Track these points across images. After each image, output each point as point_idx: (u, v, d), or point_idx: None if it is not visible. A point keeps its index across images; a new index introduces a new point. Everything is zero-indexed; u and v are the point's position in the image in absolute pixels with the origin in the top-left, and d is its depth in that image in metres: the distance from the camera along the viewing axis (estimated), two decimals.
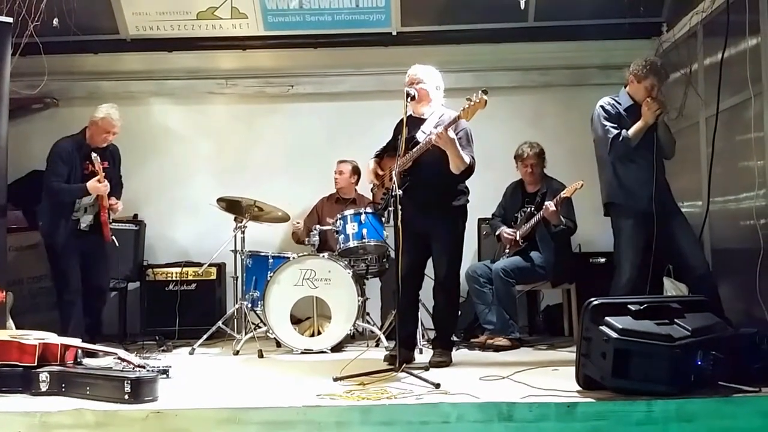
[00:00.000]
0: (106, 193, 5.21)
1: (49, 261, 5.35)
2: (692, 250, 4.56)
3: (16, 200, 5.84)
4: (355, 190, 6.34)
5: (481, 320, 5.47)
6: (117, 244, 5.48)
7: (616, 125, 4.57)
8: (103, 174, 5.16)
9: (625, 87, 4.71)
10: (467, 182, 4.60)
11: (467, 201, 4.64)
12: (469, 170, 4.44)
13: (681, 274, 4.77)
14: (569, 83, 6.79)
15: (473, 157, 4.47)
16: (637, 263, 4.56)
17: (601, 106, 4.68)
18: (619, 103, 4.67)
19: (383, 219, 5.09)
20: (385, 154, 4.75)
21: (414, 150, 4.41)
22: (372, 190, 4.91)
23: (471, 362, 4.69)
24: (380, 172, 4.73)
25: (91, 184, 5.13)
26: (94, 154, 5.10)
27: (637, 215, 4.56)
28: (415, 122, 4.56)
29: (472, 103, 4.12)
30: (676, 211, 4.67)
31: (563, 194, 5.29)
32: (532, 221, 5.43)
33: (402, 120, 4.40)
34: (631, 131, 4.53)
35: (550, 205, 5.29)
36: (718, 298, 4.41)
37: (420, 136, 4.46)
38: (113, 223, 5.41)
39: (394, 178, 4.19)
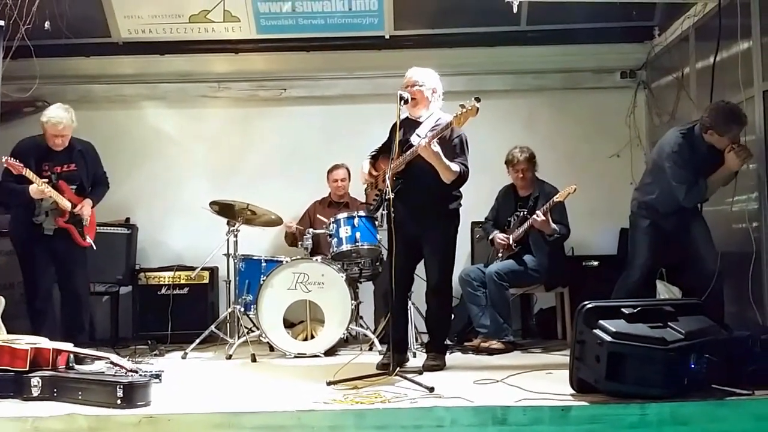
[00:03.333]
0: (46, 196, 4.99)
1: (21, 269, 5.21)
2: (707, 249, 4.55)
3: (6, 204, 5.80)
4: (348, 193, 6.33)
5: (475, 324, 5.46)
6: (95, 248, 5.36)
7: (693, 169, 4.48)
8: (45, 184, 4.97)
9: (702, 131, 4.52)
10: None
11: (460, 205, 4.64)
12: (460, 179, 4.44)
13: (692, 272, 4.74)
14: (562, 87, 6.81)
15: (466, 165, 4.46)
16: (649, 265, 4.59)
17: (677, 151, 4.51)
18: (694, 142, 4.53)
19: (377, 222, 5.11)
20: (380, 155, 4.74)
21: (407, 153, 4.41)
22: (365, 190, 4.91)
23: (465, 366, 4.68)
24: (374, 173, 4.72)
25: (31, 188, 4.95)
26: (5, 157, 4.88)
27: (655, 218, 4.63)
28: (411, 125, 4.57)
29: (464, 111, 4.12)
30: (696, 214, 4.67)
31: (556, 198, 5.29)
32: (525, 225, 5.43)
33: (401, 120, 4.41)
34: (713, 179, 4.46)
35: (538, 215, 5.28)
36: (722, 303, 4.44)
37: (414, 139, 4.47)
38: (103, 227, 5.32)
39: (387, 181, 4.18)
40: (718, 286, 4.45)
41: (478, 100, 4.09)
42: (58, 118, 5.05)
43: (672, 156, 4.54)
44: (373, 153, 4.79)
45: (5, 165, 4.89)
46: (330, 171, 6.33)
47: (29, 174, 4.93)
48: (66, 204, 5.13)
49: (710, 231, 4.66)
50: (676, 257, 4.78)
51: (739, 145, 4.41)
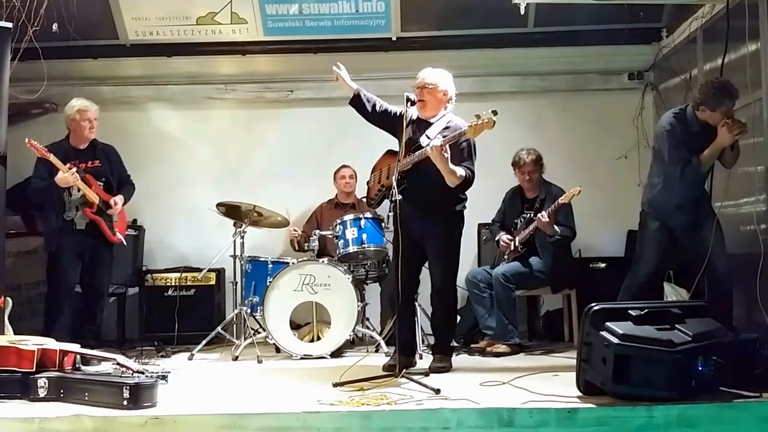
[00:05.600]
0: (72, 183, 5.10)
1: (47, 264, 5.33)
2: (718, 251, 4.44)
3: (14, 205, 5.83)
4: (354, 194, 6.33)
5: (481, 325, 5.46)
6: (125, 244, 5.49)
7: (686, 148, 4.41)
8: (73, 169, 5.09)
9: (694, 109, 4.48)
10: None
11: (464, 207, 4.63)
12: (465, 183, 4.43)
13: (702, 274, 4.70)
14: (569, 88, 6.80)
15: (472, 170, 4.46)
16: (656, 264, 4.54)
17: (670, 128, 4.47)
18: (689, 124, 4.48)
19: (383, 224, 5.11)
20: (388, 151, 4.74)
21: (415, 155, 4.41)
22: (368, 183, 4.92)
23: (471, 368, 4.69)
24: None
25: (57, 176, 5.06)
26: (27, 138, 4.99)
27: (665, 218, 4.55)
28: (421, 125, 4.59)
29: (480, 122, 4.11)
30: (709, 214, 4.54)
31: (560, 201, 5.28)
32: (531, 227, 5.43)
33: (411, 119, 4.45)
34: (706, 155, 4.37)
35: (543, 216, 5.27)
36: (731, 305, 4.39)
37: (424, 140, 4.47)
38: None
39: (394, 182, 4.18)
40: (727, 288, 4.41)
41: (495, 113, 4.09)
42: (87, 104, 5.31)
43: (664, 135, 4.50)
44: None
45: (29, 146, 4.99)
46: (337, 171, 6.35)
47: (54, 159, 5.03)
48: (93, 196, 5.22)
49: (723, 232, 4.60)
50: (685, 258, 4.72)
51: (732, 119, 4.34)
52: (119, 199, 5.40)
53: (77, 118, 5.27)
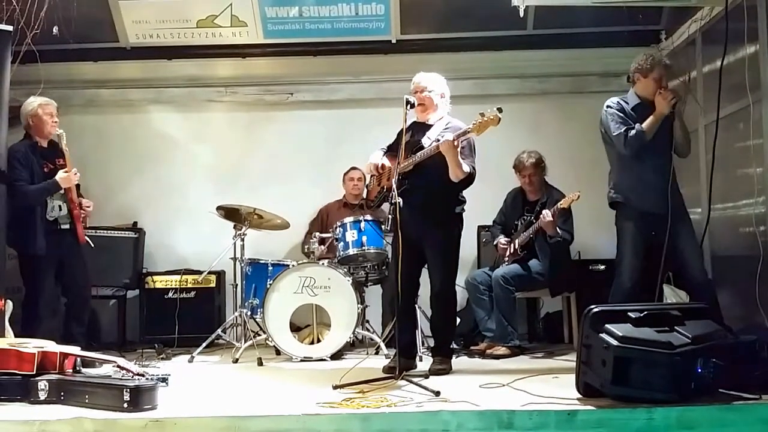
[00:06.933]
0: (74, 182, 5.04)
1: (23, 273, 5.08)
2: (693, 258, 4.46)
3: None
4: (362, 196, 6.33)
5: (481, 327, 5.47)
6: (92, 245, 5.32)
7: (626, 122, 4.48)
8: (75, 169, 5.03)
9: (632, 85, 4.62)
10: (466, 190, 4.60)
11: (463, 209, 4.64)
12: (468, 179, 4.44)
13: (680, 280, 4.72)
14: (568, 91, 6.80)
15: (474, 167, 4.47)
16: (636, 266, 4.50)
17: (609, 105, 4.60)
18: (627, 102, 4.58)
19: (383, 227, 5.11)
20: (388, 153, 4.74)
21: (418, 155, 4.42)
22: (367, 185, 4.92)
23: (471, 370, 4.69)
24: (381, 169, 4.69)
25: (60, 175, 4.97)
26: (60, 130, 5.03)
27: (638, 217, 4.51)
28: (420, 128, 4.61)
29: (485, 119, 4.11)
30: (683, 215, 4.54)
31: (560, 205, 5.27)
32: (531, 229, 5.43)
33: (409, 123, 4.44)
34: (645, 124, 4.42)
35: (547, 214, 5.27)
36: (718, 307, 4.38)
37: (426, 142, 4.48)
38: (110, 231, 5.32)
39: (394, 184, 4.18)
40: (711, 294, 4.39)
41: (500, 110, 4.09)
42: (47, 99, 5.17)
43: (606, 113, 4.59)
44: (383, 149, 4.78)
45: (59, 135, 5.05)
46: (346, 172, 6.38)
47: (68, 156, 5.01)
48: (75, 195, 5.14)
49: (695, 235, 4.56)
50: (664, 263, 4.67)
51: (665, 88, 4.45)
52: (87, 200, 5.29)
53: (39, 113, 5.10)
